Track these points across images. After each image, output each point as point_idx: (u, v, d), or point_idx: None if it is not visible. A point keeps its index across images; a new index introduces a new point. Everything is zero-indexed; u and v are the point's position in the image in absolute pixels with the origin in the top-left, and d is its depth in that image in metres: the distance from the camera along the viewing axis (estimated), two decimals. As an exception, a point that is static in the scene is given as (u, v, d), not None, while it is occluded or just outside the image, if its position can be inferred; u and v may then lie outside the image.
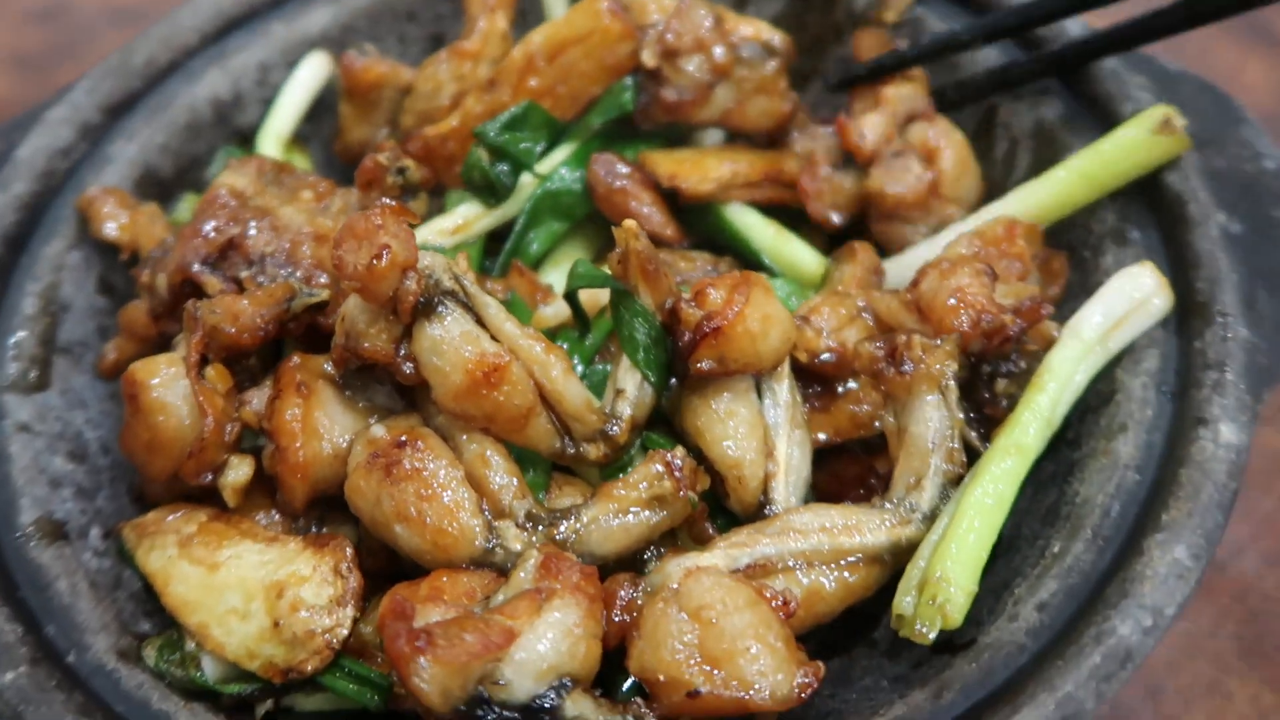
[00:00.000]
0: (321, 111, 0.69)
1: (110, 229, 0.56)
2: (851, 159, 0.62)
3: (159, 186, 0.63)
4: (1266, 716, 0.57)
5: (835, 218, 0.62)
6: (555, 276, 0.62)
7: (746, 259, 0.62)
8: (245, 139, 0.67)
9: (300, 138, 0.69)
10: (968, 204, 0.61)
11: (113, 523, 0.50)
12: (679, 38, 0.61)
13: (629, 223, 0.48)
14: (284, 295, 0.49)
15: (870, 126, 0.61)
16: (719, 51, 0.61)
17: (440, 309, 0.45)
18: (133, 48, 0.63)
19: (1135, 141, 0.55)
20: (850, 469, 0.54)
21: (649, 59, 0.61)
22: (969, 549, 0.42)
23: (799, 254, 0.60)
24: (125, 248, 0.57)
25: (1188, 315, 0.49)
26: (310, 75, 0.68)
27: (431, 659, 0.36)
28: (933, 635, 0.41)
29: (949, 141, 0.60)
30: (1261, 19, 0.92)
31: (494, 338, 0.45)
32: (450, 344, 0.44)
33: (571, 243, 0.64)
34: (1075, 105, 0.60)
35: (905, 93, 0.62)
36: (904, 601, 0.43)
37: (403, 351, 0.45)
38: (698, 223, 0.63)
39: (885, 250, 0.60)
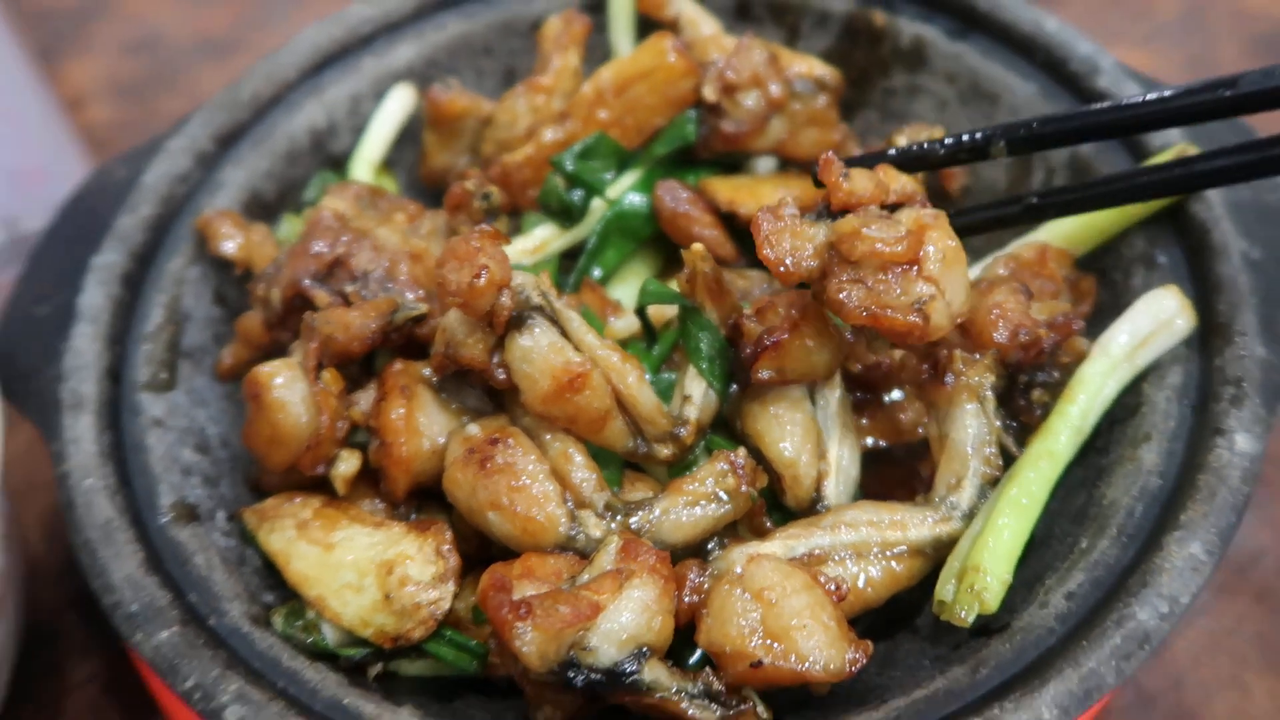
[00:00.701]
0: (406, 138, 0.76)
1: (227, 247, 0.62)
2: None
3: (263, 208, 0.69)
4: (1284, 709, 0.61)
5: (797, 267, 0.50)
6: (621, 291, 0.67)
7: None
8: (338, 164, 0.74)
9: (387, 163, 0.75)
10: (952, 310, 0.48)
11: (233, 508, 0.56)
12: (738, 74, 0.66)
13: (697, 246, 0.54)
14: (388, 309, 0.55)
15: (854, 179, 0.51)
16: (774, 87, 0.67)
17: (530, 322, 0.50)
18: (240, 83, 0.70)
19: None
20: (895, 472, 0.59)
21: (710, 94, 0.66)
22: (1004, 543, 0.47)
23: (847, 273, 0.65)
24: (239, 264, 0.63)
25: (1209, 335, 0.53)
26: (397, 106, 0.74)
27: (531, 625, 0.42)
28: (970, 619, 0.46)
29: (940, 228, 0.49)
30: None
31: (576, 348, 0.51)
32: (539, 353, 0.50)
33: (636, 260, 0.70)
34: (1108, 139, 0.65)
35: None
36: (945, 589, 0.47)
37: (496, 359, 0.51)
38: (752, 243, 0.69)
39: (842, 315, 0.49)
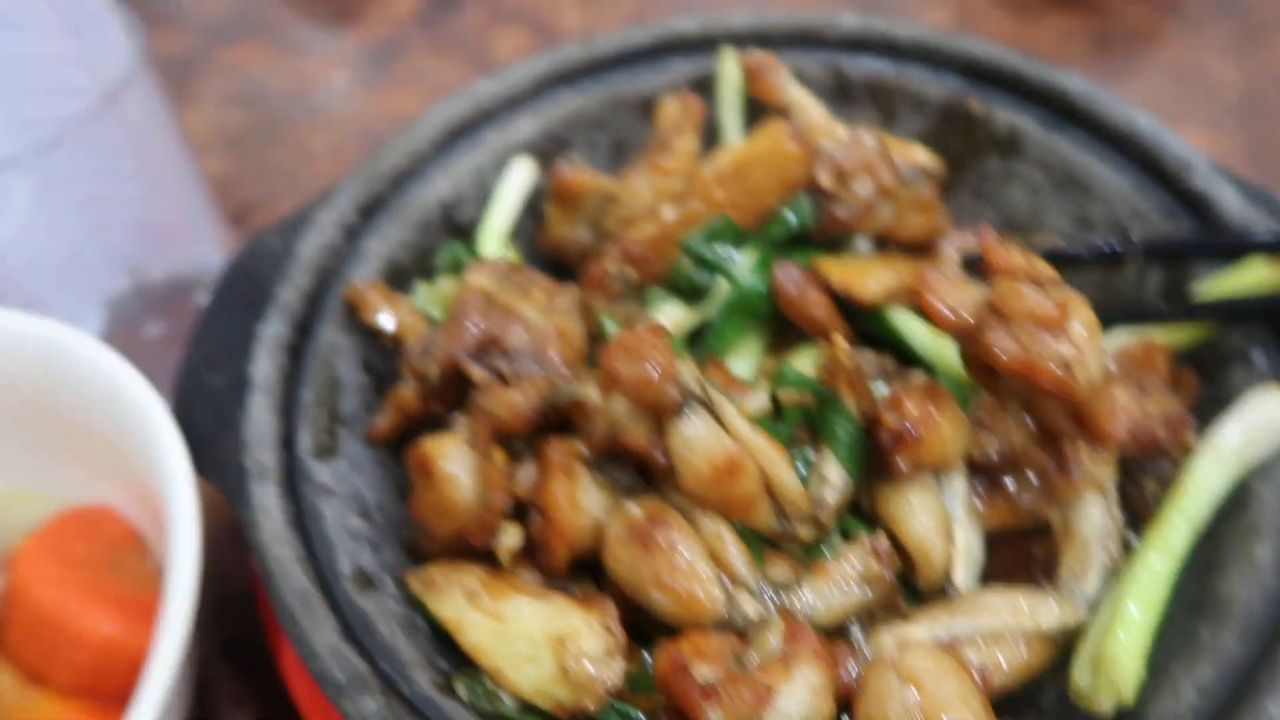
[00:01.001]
0: (523, 209, 0.80)
1: (380, 320, 0.66)
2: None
3: (399, 275, 0.73)
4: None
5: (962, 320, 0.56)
6: (736, 364, 0.71)
7: (906, 356, 0.71)
8: (463, 232, 0.78)
9: (508, 232, 0.79)
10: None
11: (395, 572, 0.60)
12: (852, 163, 0.71)
13: (841, 343, 0.58)
14: (547, 390, 0.59)
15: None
16: (885, 175, 0.71)
17: (690, 411, 0.54)
18: (378, 156, 0.74)
19: (1255, 273, 0.63)
20: (1011, 554, 0.63)
21: (825, 181, 0.71)
22: (1137, 636, 0.51)
23: (955, 355, 0.70)
24: (389, 337, 0.67)
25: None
26: (520, 178, 0.78)
27: (719, 708, 0.46)
28: (1109, 708, 0.50)
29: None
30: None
31: (730, 435, 0.55)
32: (699, 441, 0.54)
33: (747, 335, 0.74)
34: (1203, 233, 0.69)
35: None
36: (1082, 676, 0.51)
37: (656, 444, 0.55)
38: (860, 322, 0.73)
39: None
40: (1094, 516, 0.56)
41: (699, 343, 0.70)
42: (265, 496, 0.56)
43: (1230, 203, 0.68)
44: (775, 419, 0.65)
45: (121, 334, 0.83)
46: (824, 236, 0.74)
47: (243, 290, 0.67)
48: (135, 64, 0.67)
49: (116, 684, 0.56)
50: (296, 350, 0.65)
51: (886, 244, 0.77)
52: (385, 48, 1.16)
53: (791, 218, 0.72)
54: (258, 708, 0.66)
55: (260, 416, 0.59)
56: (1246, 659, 0.50)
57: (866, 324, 0.72)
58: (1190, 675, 0.51)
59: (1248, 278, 0.64)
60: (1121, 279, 0.73)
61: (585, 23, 1.19)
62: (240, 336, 0.64)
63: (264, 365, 0.62)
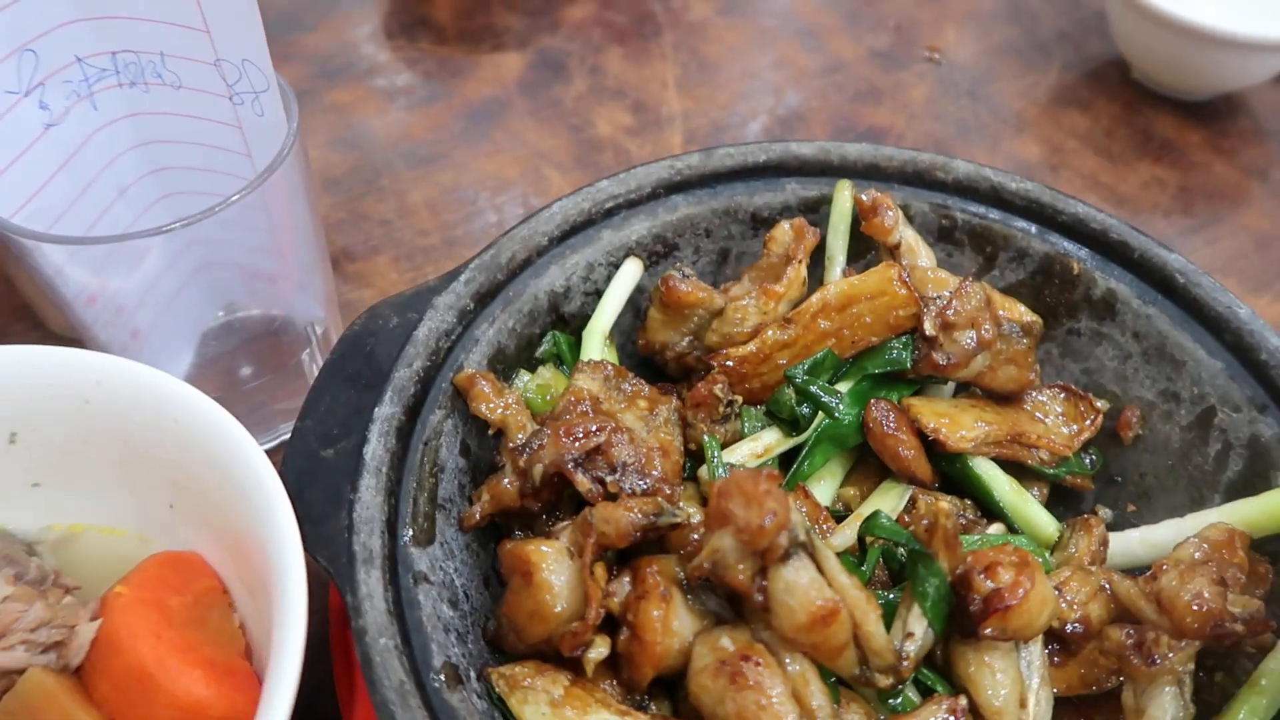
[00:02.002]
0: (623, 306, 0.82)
1: (487, 410, 0.68)
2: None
3: (503, 362, 0.75)
4: None
5: None
6: (816, 489, 0.73)
7: (986, 508, 0.73)
8: (565, 322, 0.80)
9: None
10: None
11: (477, 665, 0.61)
12: (958, 315, 0.73)
13: (944, 505, 0.60)
14: (652, 510, 0.61)
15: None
16: (987, 329, 0.73)
17: (794, 557, 0.56)
18: (501, 247, 0.76)
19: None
20: (1072, 717, 0.65)
21: (930, 329, 0.73)
22: None
23: (1038, 516, 0.71)
24: (494, 425, 0.69)
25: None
26: (628, 278, 0.81)
27: None
28: None
29: None
30: None
31: (829, 584, 0.57)
32: (800, 589, 0.55)
33: (830, 462, 0.75)
34: (1290, 431, 0.71)
35: None
36: None
37: (757, 584, 0.56)
38: (943, 464, 0.74)
39: None
40: (1169, 706, 0.58)
41: (792, 471, 0.72)
42: (370, 583, 0.57)
43: (1321, 403, 0.70)
44: (858, 558, 0.67)
45: (212, 369, 0.86)
46: (916, 376, 0.76)
47: (356, 362, 0.69)
48: (290, 139, 0.70)
49: (198, 745, 0.57)
50: (406, 433, 0.66)
51: (970, 387, 0.79)
52: (488, 108, 1.19)
53: (890, 356, 0.74)
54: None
55: (370, 499, 0.61)
56: None
57: (949, 467, 0.74)
58: None
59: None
60: (1202, 457, 0.75)
61: (685, 108, 1.22)
62: (352, 411, 0.66)
63: (376, 447, 0.63)
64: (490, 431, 0.70)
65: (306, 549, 0.60)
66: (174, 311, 0.83)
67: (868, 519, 0.64)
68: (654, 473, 0.64)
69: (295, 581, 0.55)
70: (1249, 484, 0.71)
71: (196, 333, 0.87)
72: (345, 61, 1.23)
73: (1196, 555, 0.64)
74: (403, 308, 0.73)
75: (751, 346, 0.75)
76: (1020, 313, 0.76)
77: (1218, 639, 0.59)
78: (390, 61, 1.23)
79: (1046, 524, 0.71)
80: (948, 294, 0.74)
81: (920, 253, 0.79)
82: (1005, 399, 0.79)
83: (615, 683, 0.60)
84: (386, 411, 0.66)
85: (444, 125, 1.16)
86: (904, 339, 0.74)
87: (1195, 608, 0.59)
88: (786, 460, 0.74)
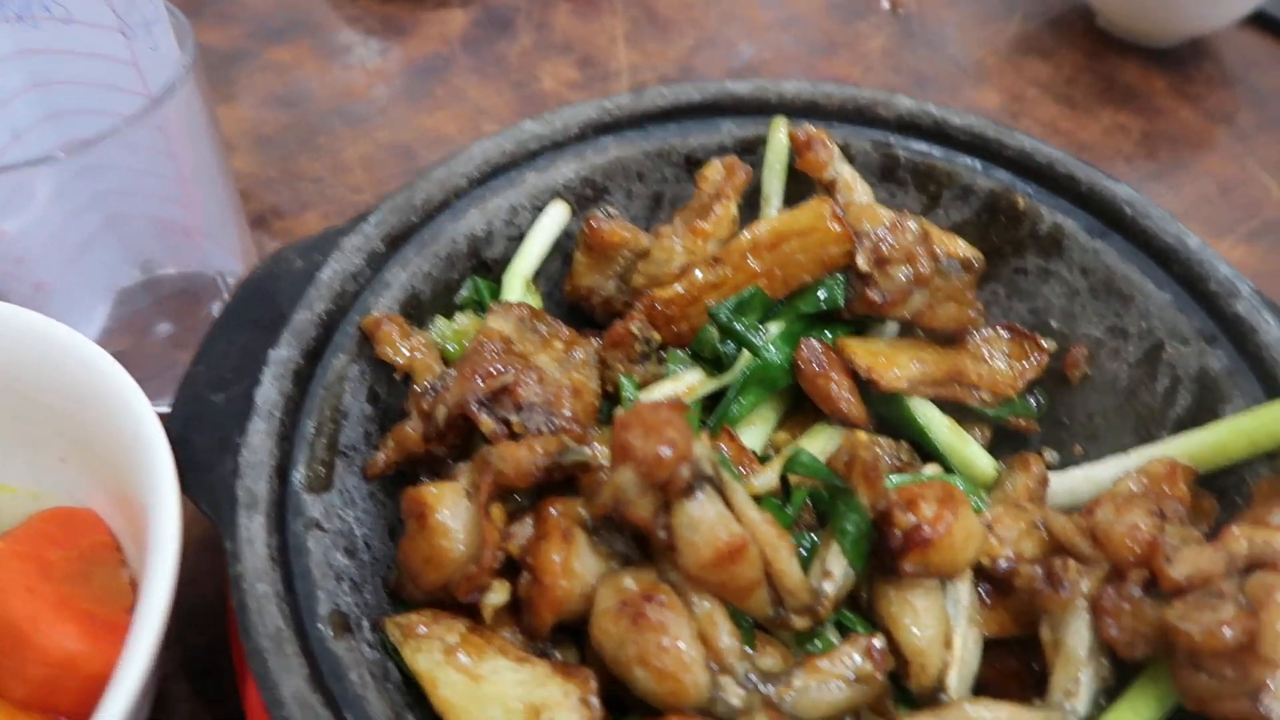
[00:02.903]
0: (550, 251, 0.79)
1: (394, 354, 0.65)
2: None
3: (418, 308, 0.72)
4: None
5: (1131, 649, 0.53)
6: (747, 434, 0.70)
7: (923, 448, 0.70)
8: (488, 268, 0.77)
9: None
10: None
11: (375, 614, 0.58)
12: (892, 250, 0.69)
13: (862, 435, 0.56)
14: (557, 449, 0.57)
15: (1188, 561, 0.52)
16: (924, 264, 0.70)
17: (699, 491, 0.52)
18: (415, 188, 0.73)
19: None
20: (1007, 661, 0.61)
21: (864, 264, 0.69)
22: None
23: (976, 456, 0.68)
24: (401, 370, 0.66)
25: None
26: (553, 222, 0.77)
27: (693, 809, 0.44)
28: None
29: None
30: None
31: (738, 519, 0.53)
32: (705, 523, 0.52)
33: (762, 405, 0.72)
34: (1240, 362, 0.67)
35: (1267, 540, 0.52)
36: None
37: (660, 520, 0.53)
38: (879, 406, 0.71)
39: (1185, 699, 0.52)
40: (1085, 633, 0.55)
41: (713, 410, 0.68)
42: (252, 527, 0.54)
43: (1271, 334, 0.66)
44: (783, 499, 0.64)
45: (128, 329, 0.82)
46: (852, 316, 0.72)
47: (257, 307, 0.66)
48: (184, 70, 0.66)
49: (71, 700, 0.54)
50: (305, 377, 0.63)
51: (913, 328, 0.76)
52: (431, 66, 1.16)
53: (823, 296, 0.70)
54: (217, 731, 0.64)
55: (258, 443, 0.58)
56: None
57: (886, 410, 0.71)
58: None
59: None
60: (1150, 394, 0.71)
61: (633, 62, 1.18)
62: (248, 356, 0.63)
63: (269, 391, 0.60)
64: (398, 377, 0.67)
65: (189, 495, 0.56)
66: (84, 266, 0.80)
67: (789, 457, 0.61)
68: (564, 412, 0.61)
69: (167, 526, 0.52)
70: (1197, 419, 0.68)
71: (111, 290, 0.84)
72: (287, 20, 1.20)
73: (1135, 489, 0.61)
74: (308, 251, 0.69)
75: (679, 287, 0.71)
76: (959, 248, 0.73)
77: (1154, 571, 0.56)
78: (332, 19, 1.20)
79: (984, 464, 0.68)
80: (881, 230, 0.70)
81: (857, 189, 0.76)
82: (948, 340, 0.75)
83: (517, 630, 0.57)
84: (282, 354, 0.63)
85: (384, 83, 1.12)
86: (838, 276, 0.71)
87: (1130, 539, 0.56)
88: (716, 405, 0.71)
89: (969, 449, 0.68)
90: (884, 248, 0.69)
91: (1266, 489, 0.58)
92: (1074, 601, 0.56)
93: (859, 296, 0.70)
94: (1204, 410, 0.68)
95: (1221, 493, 0.64)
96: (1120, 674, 0.56)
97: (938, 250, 0.71)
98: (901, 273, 0.69)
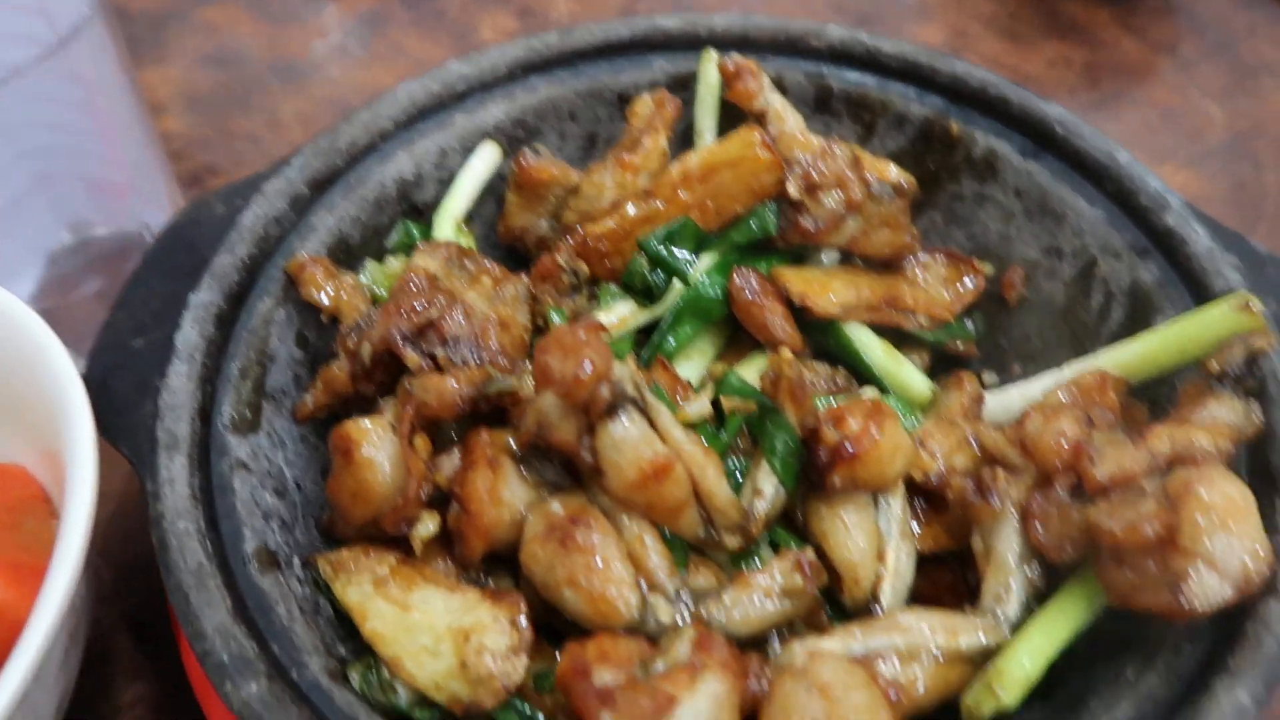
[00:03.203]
0: (484, 192, 0.78)
1: (319, 295, 0.64)
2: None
3: (347, 252, 0.71)
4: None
5: (1059, 551, 0.53)
6: (686, 367, 0.69)
7: (860, 373, 0.70)
8: (419, 212, 0.76)
9: (466, 216, 0.77)
10: (1228, 571, 0.47)
11: (307, 553, 0.57)
12: (822, 175, 0.69)
13: (785, 352, 0.56)
14: (481, 379, 0.57)
15: (1111, 461, 0.52)
16: (854, 189, 0.69)
17: (622, 412, 0.52)
18: (339, 131, 0.72)
19: (1219, 318, 0.62)
20: (944, 576, 0.62)
21: (794, 191, 0.69)
22: (1032, 648, 0.51)
23: (911, 377, 0.68)
24: (328, 312, 0.65)
25: (1261, 485, 0.55)
26: (483, 163, 0.76)
27: (614, 715, 0.44)
28: (987, 713, 0.49)
29: (1208, 489, 0.48)
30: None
31: (663, 439, 0.53)
32: (629, 444, 0.52)
33: (700, 337, 0.72)
34: (1170, 273, 0.67)
35: (1189, 437, 0.53)
36: (971, 690, 0.50)
37: (585, 443, 0.53)
38: (816, 334, 0.71)
39: (1109, 595, 0.51)
40: (1014, 540, 0.55)
41: (650, 343, 0.68)
42: (172, 468, 0.54)
43: (1200, 244, 0.66)
44: (718, 426, 0.64)
45: (57, 289, 0.81)
46: (788, 246, 0.72)
47: (178, 254, 0.65)
48: (91, 13, 0.65)
49: None
50: (228, 320, 0.62)
51: (851, 257, 0.75)
52: (369, 20, 1.14)
53: (754, 225, 0.70)
54: (156, 682, 0.64)
55: (179, 385, 0.57)
56: (1167, 700, 0.49)
57: (823, 337, 0.71)
58: (1109, 712, 0.49)
59: (1211, 323, 0.63)
60: (1085, 311, 0.71)
61: (574, 12, 1.17)
62: (169, 302, 0.62)
63: (189, 334, 0.59)
64: (325, 319, 0.66)
65: (110, 440, 0.56)
66: (12, 230, 0.78)
67: (719, 381, 0.61)
68: (490, 345, 0.60)
69: (83, 465, 0.51)
70: (1130, 332, 0.68)
71: (42, 252, 0.82)
72: (220, -19, 1.17)
73: (1064, 399, 0.61)
74: (230, 196, 0.68)
75: (610, 222, 0.71)
76: (890, 172, 0.73)
77: (1079, 474, 0.56)
78: (266, -21, 1.18)
79: (919, 385, 0.68)
80: (813, 156, 0.70)
81: (788, 118, 0.75)
82: (885, 267, 0.75)
83: (450, 562, 0.57)
84: (203, 298, 0.62)
85: (321, 40, 1.11)
86: (769, 204, 0.70)
87: (1056, 445, 0.56)
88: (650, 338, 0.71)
89: (903, 371, 0.68)
90: (814, 174, 0.69)
91: (1192, 391, 0.59)
92: (1003, 510, 0.56)
93: (792, 225, 0.70)
94: (1137, 323, 0.68)
95: (1154, 403, 0.65)
96: (1052, 581, 0.56)
97: (869, 176, 0.71)
98: (832, 199, 0.69)
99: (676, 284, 0.68)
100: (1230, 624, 0.51)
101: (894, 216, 0.72)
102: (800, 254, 0.74)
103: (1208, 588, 0.47)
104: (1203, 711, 0.48)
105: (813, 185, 0.69)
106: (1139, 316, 0.68)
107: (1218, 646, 0.51)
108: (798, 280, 0.70)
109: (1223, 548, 0.47)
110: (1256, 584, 0.48)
